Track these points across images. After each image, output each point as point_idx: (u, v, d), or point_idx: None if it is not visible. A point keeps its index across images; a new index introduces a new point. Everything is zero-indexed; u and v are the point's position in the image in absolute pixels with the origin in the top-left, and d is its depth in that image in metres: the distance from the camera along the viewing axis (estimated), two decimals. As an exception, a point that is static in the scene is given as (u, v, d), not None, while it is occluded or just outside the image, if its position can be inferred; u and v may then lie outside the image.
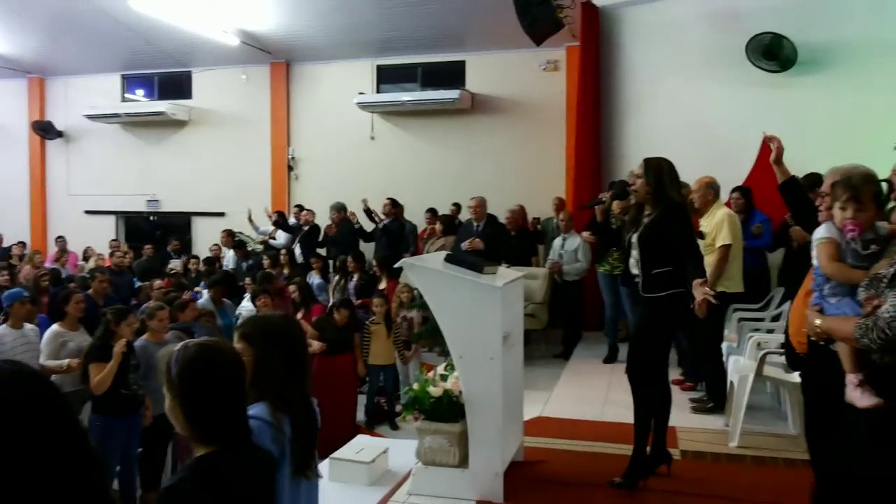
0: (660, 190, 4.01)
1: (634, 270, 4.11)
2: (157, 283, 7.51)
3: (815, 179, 4.94)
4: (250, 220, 10.57)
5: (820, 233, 2.70)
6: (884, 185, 2.89)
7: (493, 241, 7.28)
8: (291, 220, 10.42)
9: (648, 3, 8.66)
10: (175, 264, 10.46)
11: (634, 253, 4.10)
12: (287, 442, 2.03)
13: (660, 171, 4.04)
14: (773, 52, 7.66)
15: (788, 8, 7.68)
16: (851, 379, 2.38)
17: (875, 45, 7.36)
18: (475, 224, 7.61)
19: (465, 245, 7.20)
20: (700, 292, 3.75)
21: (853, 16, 7.49)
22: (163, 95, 13.24)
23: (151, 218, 13.63)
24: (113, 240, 12.21)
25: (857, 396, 2.33)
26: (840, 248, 2.61)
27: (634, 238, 4.10)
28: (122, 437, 4.73)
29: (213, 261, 10.04)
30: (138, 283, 8.74)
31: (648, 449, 4.09)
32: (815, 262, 2.71)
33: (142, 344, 5.08)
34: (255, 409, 2.00)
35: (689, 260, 3.95)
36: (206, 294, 7.34)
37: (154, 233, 13.40)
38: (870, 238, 2.56)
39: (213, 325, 6.41)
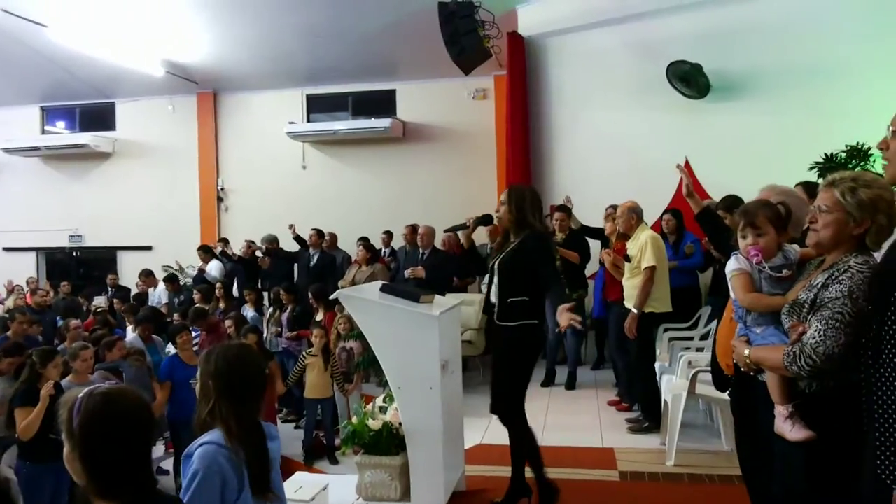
0: (522, 218, 4.02)
1: (493, 298, 4.08)
2: (74, 322, 7.17)
3: (732, 201, 5.14)
4: (179, 266, 10.37)
5: (731, 266, 2.70)
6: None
7: (436, 271, 7.32)
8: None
9: (572, 33, 8.92)
10: (100, 301, 10.09)
11: (494, 280, 4.08)
12: (244, 465, 2.07)
13: (522, 198, 4.06)
14: (690, 80, 7.99)
15: (702, 38, 8.05)
16: (781, 411, 2.36)
17: (782, 72, 7.81)
18: (421, 251, 7.65)
19: (407, 273, 7.23)
20: (566, 318, 3.62)
21: (760, 45, 7.93)
22: (85, 127, 12.85)
23: (74, 253, 13.15)
24: (30, 278, 11.70)
25: (788, 429, 2.33)
26: (752, 278, 2.61)
27: (496, 265, 4.10)
28: (50, 484, 4.48)
29: (141, 296, 9.73)
30: (61, 322, 8.39)
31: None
32: (732, 294, 2.71)
33: (66, 386, 4.85)
34: (210, 435, 2.08)
35: (551, 287, 3.89)
36: (130, 332, 7.09)
37: (77, 269, 12.92)
38: (779, 263, 2.58)
39: (143, 364, 6.17)
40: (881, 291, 1.81)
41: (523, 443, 4.02)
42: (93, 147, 12.25)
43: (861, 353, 1.92)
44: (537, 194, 4.20)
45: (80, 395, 1.68)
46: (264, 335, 7.27)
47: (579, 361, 7.59)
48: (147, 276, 10.20)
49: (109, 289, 10.89)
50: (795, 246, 2.66)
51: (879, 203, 2.11)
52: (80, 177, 12.76)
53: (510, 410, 3.99)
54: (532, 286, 3.91)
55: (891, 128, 1.81)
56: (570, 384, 7.19)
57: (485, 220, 4.57)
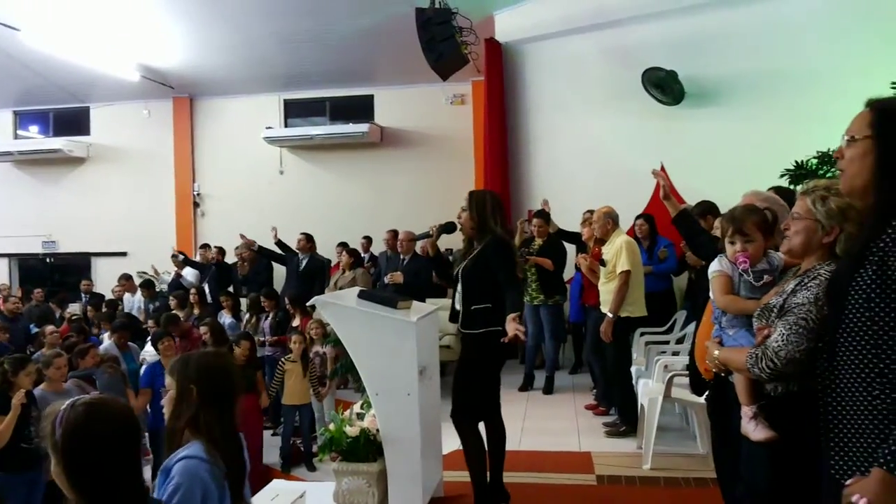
0: (483, 223, 4.02)
1: (458, 306, 4.07)
2: (50, 328, 7.08)
3: (707, 206, 5.21)
4: (155, 272, 10.30)
5: (713, 267, 2.77)
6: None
7: (416, 276, 7.32)
8: (196, 258, 10.17)
9: (549, 39, 8.98)
10: (75, 308, 9.97)
11: (459, 287, 4.07)
12: (224, 476, 2.05)
13: (483, 203, 4.06)
14: (665, 86, 8.08)
15: (677, 45, 8.14)
16: (746, 411, 2.42)
17: (755, 79, 7.93)
18: (402, 258, 7.65)
19: (387, 278, 7.23)
20: (512, 328, 3.63)
21: (733, 53, 8.04)
22: (59, 132, 12.70)
23: (48, 260, 12.97)
24: (1, 284, 11.51)
25: (752, 429, 2.38)
26: (732, 281, 2.68)
27: (459, 272, 4.09)
28: (22, 494, 4.42)
29: (115, 303, 9.63)
30: (34, 329, 8.28)
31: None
32: (711, 295, 2.78)
33: (39, 394, 4.78)
34: (190, 449, 2.03)
35: (506, 292, 3.87)
36: (106, 339, 7.01)
37: (51, 275, 12.74)
38: (762, 269, 2.64)
39: (117, 371, 6.11)
40: (836, 297, 1.84)
41: (478, 447, 4.01)
42: (66, 152, 12.10)
43: (818, 357, 1.96)
44: (498, 198, 4.20)
45: (63, 406, 1.64)
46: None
47: (557, 366, 7.62)
48: (126, 280, 10.10)
49: (83, 295, 10.77)
50: (779, 253, 2.70)
51: (848, 212, 2.14)
52: (54, 182, 12.60)
53: (464, 414, 3.98)
54: (494, 292, 3.90)
55: (845, 137, 1.83)
56: (548, 389, 7.21)
57: (448, 227, 4.55)
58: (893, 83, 5.81)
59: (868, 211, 1.82)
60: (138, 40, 10.03)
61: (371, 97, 11.53)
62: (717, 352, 2.59)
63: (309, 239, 9.23)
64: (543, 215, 7.28)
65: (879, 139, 1.75)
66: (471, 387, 3.98)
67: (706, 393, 3.25)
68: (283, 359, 6.37)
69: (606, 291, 5.71)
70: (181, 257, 9.89)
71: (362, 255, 9.80)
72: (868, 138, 1.77)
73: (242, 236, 9.33)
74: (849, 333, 1.75)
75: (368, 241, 10.04)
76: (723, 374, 2.65)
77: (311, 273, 8.95)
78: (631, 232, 6.93)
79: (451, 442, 4.54)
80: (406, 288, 6.84)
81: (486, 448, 4.08)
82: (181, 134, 12.12)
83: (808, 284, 2.20)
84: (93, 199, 12.32)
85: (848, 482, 1.65)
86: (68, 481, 1.61)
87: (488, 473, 4.10)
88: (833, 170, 6.43)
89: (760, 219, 2.69)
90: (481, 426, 4.13)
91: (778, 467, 2.29)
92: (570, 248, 7.50)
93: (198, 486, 1.97)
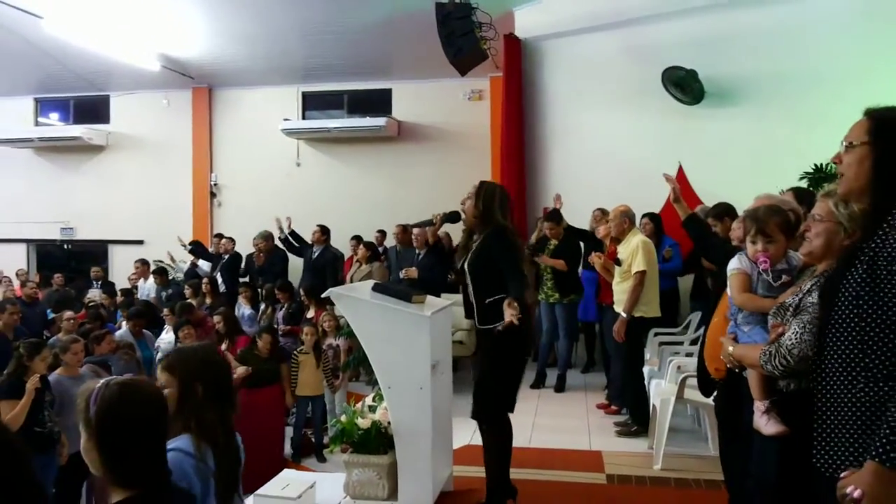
0: (487, 214, 3.92)
1: (472, 299, 3.97)
2: (68, 314, 7.15)
3: (724, 208, 5.16)
4: (171, 259, 10.33)
5: (733, 265, 2.81)
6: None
7: (431, 271, 7.31)
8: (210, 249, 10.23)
9: (568, 37, 8.94)
10: (94, 294, 10.06)
11: (469, 281, 3.98)
12: (211, 474, 2.03)
13: (491, 195, 3.96)
14: (684, 86, 8.03)
15: (696, 44, 8.08)
16: (759, 406, 2.46)
17: (776, 80, 7.85)
18: (417, 252, 7.65)
19: (402, 273, 7.24)
20: (508, 313, 3.57)
21: (754, 53, 7.96)
22: (79, 119, 12.80)
23: (66, 246, 13.09)
24: (20, 270, 11.64)
25: (763, 423, 2.41)
26: (751, 279, 2.72)
27: (465, 266, 4.01)
28: (34, 477, 4.48)
29: (130, 291, 9.73)
30: (51, 315, 8.37)
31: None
32: (729, 292, 2.81)
33: (55, 379, 4.86)
34: (179, 442, 2.02)
35: (507, 282, 3.76)
36: (124, 325, 7.08)
37: (68, 262, 12.87)
38: (781, 269, 2.68)
39: (132, 358, 6.18)
40: (829, 295, 1.92)
41: (505, 445, 3.96)
42: (86, 140, 12.19)
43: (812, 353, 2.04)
44: (507, 194, 4.11)
45: (98, 385, 1.71)
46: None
47: (570, 364, 7.61)
48: (142, 265, 10.18)
49: (94, 282, 10.84)
50: (798, 254, 2.72)
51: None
52: (73, 169, 12.71)
53: (491, 413, 3.93)
54: (504, 282, 3.79)
55: (844, 143, 1.92)
56: (560, 387, 7.20)
57: (452, 216, 4.49)
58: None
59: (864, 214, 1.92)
60: (159, 30, 10.09)
61: (389, 91, 11.53)
62: (731, 348, 2.64)
63: (324, 231, 9.28)
64: (555, 217, 7.23)
65: (876, 146, 1.85)
66: (496, 385, 3.91)
67: (714, 393, 3.25)
68: (295, 351, 6.42)
69: (620, 291, 5.69)
70: (189, 247, 9.96)
71: (378, 248, 9.83)
72: (865, 145, 1.87)
73: (277, 220, 9.40)
74: (837, 330, 1.84)
75: (383, 234, 10.06)
76: (736, 370, 2.68)
77: (323, 265, 8.99)
78: (643, 232, 6.90)
79: (462, 436, 4.57)
80: (420, 283, 6.84)
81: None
82: (200, 124, 12.19)
83: None
84: (111, 187, 12.42)
85: (842, 475, 1.71)
86: (100, 457, 1.67)
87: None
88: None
89: (783, 220, 2.73)
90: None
91: (788, 463, 2.31)
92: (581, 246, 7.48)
93: (181, 481, 1.96)
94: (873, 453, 1.63)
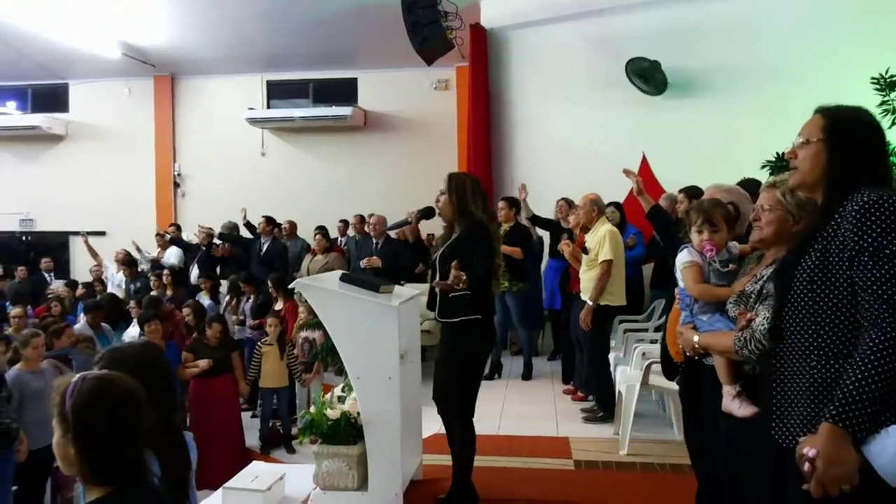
0: (463, 206, 3.89)
1: (437, 291, 3.92)
2: (15, 311, 6.84)
3: (694, 191, 5.23)
4: (137, 249, 10.05)
5: (683, 258, 2.90)
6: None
7: (391, 259, 7.27)
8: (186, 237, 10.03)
9: (534, 27, 8.98)
10: (57, 286, 9.81)
11: (437, 273, 3.95)
12: (157, 480, 1.93)
13: (463, 187, 3.92)
14: (648, 76, 8.12)
15: (659, 35, 8.19)
16: (729, 390, 2.54)
17: (737, 72, 8.02)
18: (374, 241, 7.60)
19: (363, 263, 7.17)
20: (453, 275, 3.58)
21: (716, 45, 8.12)
22: (37, 108, 12.52)
23: (25, 238, 12.80)
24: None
25: (736, 407, 2.50)
26: (703, 270, 2.83)
27: (437, 258, 3.97)
28: (-8, 472, 4.39)
29: (92, 284, 9.50)
30: (11, 309, 8.17)
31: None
32: (680, 284, 2.90)
33: (15, 374, 4.76)
34: None
35: (475, 266, 3.74)
36: (82, 319, 6.95)
37: (27, 253, 12.59)
38: (726, 258, 2.82)
39: (93, 352, 6.07)
40: (782, 274, 2.04)
41: (468, 449, 3.94)
42: (45, 129, 11.94)
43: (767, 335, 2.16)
44: (478, 182, 4.07)
45: (74, 379, 1.66)
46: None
47: (536, 352, 7.65)
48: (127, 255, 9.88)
49: (46, 274, 10.57)
50: (735, 243, 2.92)
51: (816, 203, 2.24)
52: (32, 159, 12.44)
53: (454, 411, 3.92)
54: (473, 280, 3.75)
55: (800, 139, 2.04)
56: (527, 374, 7.24)
57: (426, 212, 4.44)
58: (874, 79, 5.88)
59: (818, 205, 2.04)
60: (120, 17, 9.89)
61: (355, 80, 11.48)
62: (696, 337, 2.71)
63: (270, 221, 9.11)
64: (510, 199, 7.25)
65: (830, 144, 1.98)
66: (456, 382, 3.90)
67: (678, 377, 3.33)
68: (260, 342, 6.37)
69: (587, 279, 5.75)
70: (168, 237, 9.76)
71: (339, 238, 9.77)
72: (820, 142, 1.99)
73: (200, 226, 9.23)
74: (793, 312, 1.96)
75: (346, 224, 9.98)
76: (696, 358, 2.77)
77: (273, 257, 8.84)
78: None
79: (431, 426, 4.59)
80: (384, 272, 6.78)
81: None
82: (162, 113, 12.00)
83: None
84: (71, 178, 12.18)
85: (801, 440, 1.84)
86: (75, 451, 1.62)
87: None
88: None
89: (726, 212, 2.89)
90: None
91: (759, 441, 2.38)
92: (546, 235, 7.55)
93: None
94: (827, 416, 1.77)
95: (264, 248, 8.89)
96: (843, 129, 1.98)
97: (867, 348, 1.76)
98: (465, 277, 3.62)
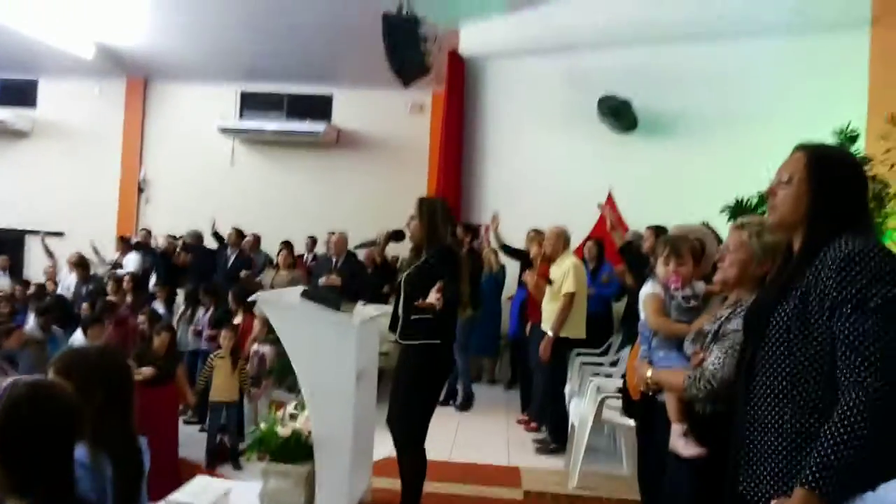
0: (433, 232, 3.92)
1: (399, 313, 3.94)
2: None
3: (662, 228, 5.31)
4: (95, 250, 9.82)
5: (646, 290, 2.92)
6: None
7: (351, 278, 7.23)
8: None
9: (511, 58, 9.10)
10: (2, 283, 9.56)
11: (401, 294, 3.95)
12: (108, 485, 1.89)
13: (434, 212, 3.95)
14: (619, 114, 8.27)
15: (633, 75, 8.34)
16: (676, 429, 2.52)
17: (705, 116, 8.23)
18: (334, 260, 7.54)
19: (322, 281, 7.11)
20: (433, 296, 3.64)
21: (686, 88, 8.30)
22: (3, 102, 12.23)
23: (-22, 234, 12.46)
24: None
25: (682, 445, 2.47)
26: (664, 303, 2.83)
27: (402, 280, 3.98)
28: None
29: (44, 285, 9.27)
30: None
31: None
32: (642, 316, 2.91)
33: (-43, 374, 4.62)
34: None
35: (447, 287, 3.78)
36: (32, 320, 6.77)
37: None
38: (689, 294, 2.81)
39: (41, 355, 5.92)
40: (755, 325, 1.93)
41: (418, 475, 3.91)
42: (10, 124, 11.70)
43: (735, 379, 2.06)
44: (448, 207, 4.11)
45: (5, 383, 1.59)
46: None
47: (481, 378, 7.51)
48: (123, 244, 9.69)
49: (1, 271, 10.29)
50: (701, 283, 2.88)
51: (781, 247, 2.21)
52: (-7, 154, 12.16)
53: (407, 435, 3.90)
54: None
55: (783, 176, 1.93)
56: (463, 405, 7.10)
57: (396, 235, 4.45)
58: (836, 131, 6.06)
59: (797, 247, 1.92)
60: (96, 16, 9.78)
61: (330, 97, 11.48)
62: (649, 372, 2.71)
63: (240, 234, 9.04)
64: (467, 225, 7.27)
65: (813, 183, 1.86)
66: (411, 406, 3.88)
67: (637, 415, 3.32)
68: (212, 354, 6.26)
69: (550, 310, 5.79)
70: (134, 241, 9.55)
71: (306, 255, 9.70)
72: (803, 181, 1.87)
73: (176, 238, 9.09)
74: (766, 361, 1.85)
75: (313, 241, 9.93)
76: (650, 393, 2.75)
77: (239, 269, 8.75)
78: (580, 253, 7.04)
79: (383, 449, 4.54)
80: (343, 290, 6.73)
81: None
82: (132, 116, 11.85)
83: (741, 313, 2.31)
84: (33, 175, 11.92)
85: (773, 502, 1.74)
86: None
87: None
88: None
89: (693, 247, 2.88)
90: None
91: (700, 484, 2.38)
92: (515, 266, 7.58)
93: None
94: (802, 480, 1.66)
95: (230, 261, 8.78)
96: (827, 168, 1.88)
97: (846, 408, 1.64)
98: (440, 298, 3.62)
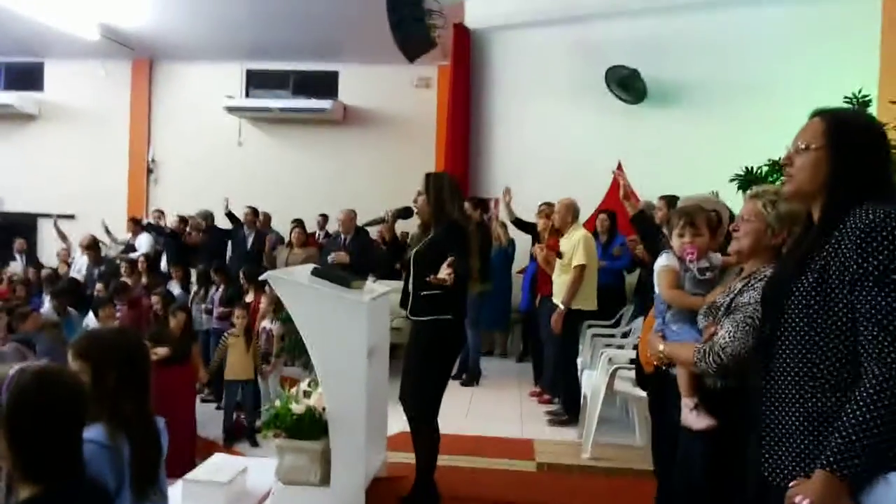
0: (440, 207, 3.89)
1: (409, 289, 3.93)
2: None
3: (671, 198, 5.28)
4: (107, 231, 9.87)
5: (661, 261, 2.87)
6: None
7: (360, 255, 7.24)
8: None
9: (518, 29, 9.01)
10: (15, 267, 9.64)
11: (411, 271, 3.94)
12: (126, 465, 1.92)
13: (441, 187, 3.92)
14: (627, 85, 8.19)
15: (641, 45, 8.25)
16: (687, 402, 2.51)
17: (714, 84, 8.13)
18: (343, 237, 7.55)
19: (331, 258, 7.13)
20: (443, 270, 3.57)
21: (695, 57, 8.20)
22: (10, 86, 12.28)
23: (-9, 218, 12.56)
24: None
25: (693, 419, 2.46)
26: (679, 276, 2.78)
27: (411, 256, 3.97)
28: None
29: (56, 268, 9.36)
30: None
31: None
32: (656, 289, 2.86)
33: (-27, 357, 4.69)
34: (91, 432, 1.86)
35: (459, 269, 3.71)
36: (48, 303, 6.85)
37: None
38: (706, 266, 2.75)
39: (58, 338, 5.98)
40: (773, 300, 1.88)
41: (432, 450, 3.94)
42: (17, 108, 11.73)
43: (753, 356, 2.01)
44: (455, 182, 4.09)
45: (13, 371, 1.61)
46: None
47: (492, 352, 7.54)
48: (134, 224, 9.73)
49: (17, 255, 10.39)
50: (718, 254, 2.82)
51: (796, 217, 2.20)
52: (2, 138, 12.19)
53: (419, 410, 3.92)
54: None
55: (800, 144, 1.85)
56: (467, 379, 7.08)
57: (404, 212, 4.41)
58: (846, 98, 5.97)
59: (816, 217, 1.85)
60: (100, -2, 9.74)
61: (336, 73, 11.42)
62: (661, 346, 2.67)
63: (255, 213, 9.07)
64: (475, 200, 7.23)
65: (833, 150, 1.78)
66: (423, 381, 3.90)
67: (650, 387, 3.32)
68: (226, 333, 6.32)
69: (560, 283, 5.79)
70: (145, 222, 9.60)
71: (318, 232, 9.72)
72: (822, 148, 1.79)
73: (193, 217, 9.12)
74: (786, 338, 1.79)
75: (325, 218, 9.94)
76: (664, 367, 2.72)
77: (260, 248, 8.80)
78: (592, 225, 7.01)
79: (396, 423, 4.58)
80: (352, 267, 6.74)
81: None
82: (138, 97, 11.85)
83: (755, 285, 2.27)
84: (42, 159, 11.97)
85: (791, 484, 1.69)
86: (7, 445, 1.58)
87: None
88: (782, 177, 6.59)
89: (708, 216, 2.81)
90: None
91: (712, 460, 2.37)
92: (526, 238, 7.57)
93: (94, 474, 1.83)
94: (823, 462, 1.61)
95: (250, 240, 8.82)
96: (846, 133, 1.79)
97: (868, 386, 1.58)
98: (451, 273, 3.58)
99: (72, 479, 1.64)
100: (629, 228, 5.50)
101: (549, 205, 6.87)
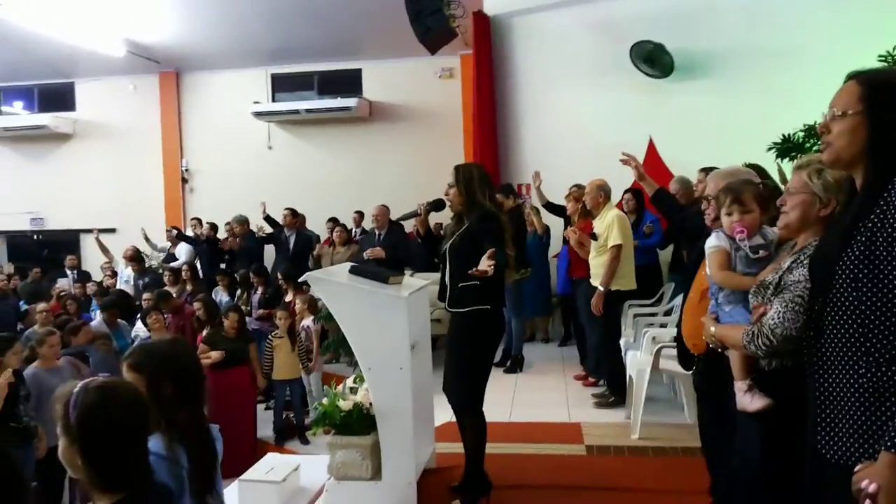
0: (471, 198, 3.90)
1: (447, 282, 3.95)
2: (41, 306, 7.01)
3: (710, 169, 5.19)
4: (147, 239, 10.08)
5: (711, 242, 2.73)
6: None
7: (395, 249, 7.28)
8: (189, 233, 10.08)
9: (537, 13, 8.93)
10: (63, 283, 9.91)
11: (447, 264, 3.95)
12: (185, 473, 1.96)
13: (470, 178, 3.92)
14: (653, 59, 8.08)
15: (665, 18, 8.13)
16: (740, 386, 2.43)
17: (743, 54, 7.97)
18: (377, 232, 7.60)
19: (366, 254, 7.18)
20: (485, 262, 3.50)
21: (721, 27, 8.07)
22: (44, 108, 12.61)
23: (36, 237, 12.90)
24: (-8, 262, 11.49)
25: (748, 402, 2.39)
26: (730, 257, 2.65)
27: (447, 249, 3.98)
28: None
29: (101, 281, 9.59)
30: (25, 307, 8.27)
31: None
32: (708, 271, 2.74)
33: (32, 372, 4.83)
34: (149, 443, 1.89)
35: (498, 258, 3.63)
36: (98, 316, 7.02)
37: (40, 252, 12.69)
38: (758, 244, 2.60)
39: (109, 349, 6.15)
40: (822, 272, 1.82)
41: (479, 438, 3.94)
42: (52, 128, 12.01)
43: (804, 331, 1.95)
44: (485, 171, 4.09)
45: (76, 389, 1.68)
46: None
47: (535, 337, 7.52)
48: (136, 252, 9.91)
49: (68, 271, 10.69)
50: (773, 228, 2.65)
51: (844, 184, 2.09)
52: (41, 158, 12.52)
53: (464, 400, 3.93)
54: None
55: (834, 110, 1.78)
56: (510, 367, 7.05)
57: (437, 205, 4.42)
58: (881, 56, 5.82)
59: (859, 185, 1.78)
60: (124, 14, 9.91)
61: (359, 71, 11.47)
62: (713, 328, 2.58)
63: (294, 214, 9.17)
64: (504, 187, 7.18)
65: (871, 114, 1.71)
66: (465, 372, 3.90)
67: (693, 367, 3.27)
68: (270, 335, 6.42)
69: (597, 265, 5.75)
70: (174, 232, 9.81)
71: (354, 230, 9.79)
72: (859, 113, 1.72)
73: (263, 205, 9.21)
74: (836, 312, 1.73)
75: (360, 215, 10.01)
76: (719, 350, 2.64)
77: (305, 249, 8.94)
78: (619, 206, 6.94)
79: (443, 413, 4.61)
80: (388, 261, 6.77)
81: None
82: (168, 109, 12.04)
83: (804, 261, 2.18)
84: (80, 176, 12.26)
85: (857, 468, 1.62)
86: (81, 462, 1.65)
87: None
88: (819, 143, 6.45)
89: (757, 191, 2.67)
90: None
91: (770, 442, 2.31)
92: (558, 222, 7.54)
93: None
94: (888, 443, 1.52)
95: (293, 241, 8.93)
96: (884, 96, 1.70)
97: None
98: (492, 264, 3.54)
99: (145, 486, 1.71)
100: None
101: (580, 187, 6.81)
